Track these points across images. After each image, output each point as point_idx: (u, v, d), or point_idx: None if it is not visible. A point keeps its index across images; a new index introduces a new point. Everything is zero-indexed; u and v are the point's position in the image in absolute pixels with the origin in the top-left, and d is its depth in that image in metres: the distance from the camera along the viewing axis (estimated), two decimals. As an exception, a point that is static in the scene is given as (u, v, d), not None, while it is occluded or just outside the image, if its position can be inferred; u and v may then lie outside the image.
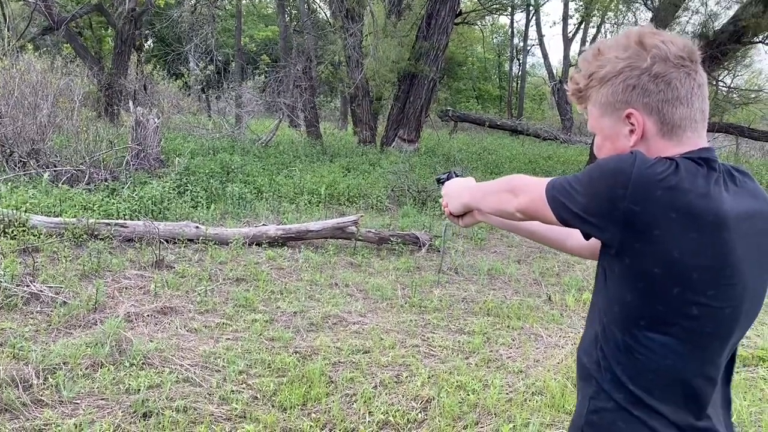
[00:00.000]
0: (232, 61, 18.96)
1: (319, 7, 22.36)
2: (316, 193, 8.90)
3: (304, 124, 14.62)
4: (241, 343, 4.08)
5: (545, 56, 32.21)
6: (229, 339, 4.18)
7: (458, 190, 1.52)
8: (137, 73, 17.76)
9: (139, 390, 3.33)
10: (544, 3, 31.00)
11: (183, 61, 21.33)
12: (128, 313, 4.42)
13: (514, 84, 34.40)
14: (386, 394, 3.53)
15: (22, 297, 4.39)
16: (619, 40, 1.18)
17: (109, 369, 3.55)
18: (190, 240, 6.27)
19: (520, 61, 34.38)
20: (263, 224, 6.90)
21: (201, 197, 7.86)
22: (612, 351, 1.14)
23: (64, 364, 3.57)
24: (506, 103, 33.42)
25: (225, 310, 4.68)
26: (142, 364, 3.67)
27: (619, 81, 1.16)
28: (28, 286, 4.53)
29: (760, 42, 12.61)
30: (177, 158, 8.76)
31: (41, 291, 4.50)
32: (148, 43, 28.08)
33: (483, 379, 3.76)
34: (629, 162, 1.07)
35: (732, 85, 18.45)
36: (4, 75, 8.83)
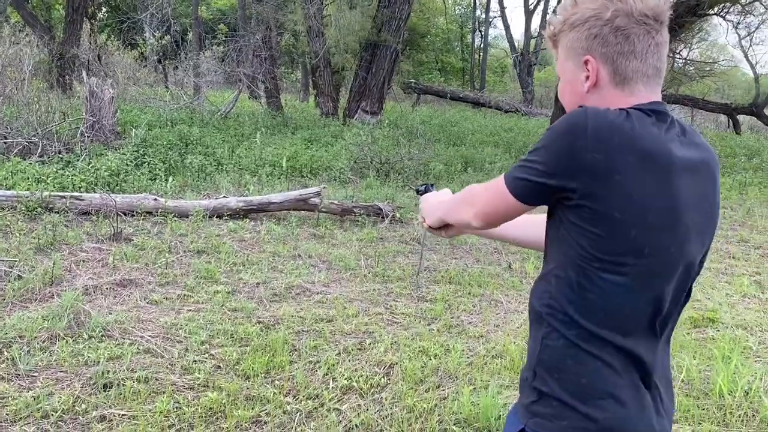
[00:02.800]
0: (189, 30, 18.49)
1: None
2: (277, 165, 8.81)
3: (265, 95, 14.40)
4: (203, 314, 4.06)
5: (507, 28, 32.25)
6: (190, 310, 4.15)
7: (433, 205, 1.53)
8: (90, 43, 17.18)
9: (99, 362, 3.29)
10: (506, -26, 30.99)
11: (138, 31, 20.74)
12: (86, 286, 4.34)
13: (477, 56, 34.43)
14: (349, 360, 3.56)
15: (-27, 271, 4.27)
16: None
17: (67, 342, 3.50)
18: (149, 212, 6.16)
19: (482, 33, 34.39)
20: (224, 196, 6.81)
21: (159, 169, 7.71)
22: (564, 291, 1.18)
23: (20, 337, 3.50)
24: (468, 76, 33.46)
25: (186, 282, 4.63)
26: (102, 336, 3.62)
27: (584, 29, 1.22)
28: (-21, 260, 4.41)
29: (716, 14, 12.83)
30: (134, 130, 8.55)
31: (-6, 265, 4.38)
32: (102, 12, 27.17)
33: (444, 344, 3.82)
34: (581, 116, 1.12)
35: (688, 58, 18.82)
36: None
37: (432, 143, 11.67)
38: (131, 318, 3.91)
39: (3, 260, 4.52)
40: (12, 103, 9.16)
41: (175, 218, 6.13)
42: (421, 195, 1.65)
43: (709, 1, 12.00)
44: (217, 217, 6.37)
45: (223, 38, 15.65)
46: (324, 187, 6.88)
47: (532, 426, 1.21)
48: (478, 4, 34.41)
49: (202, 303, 4.28)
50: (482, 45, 34.23)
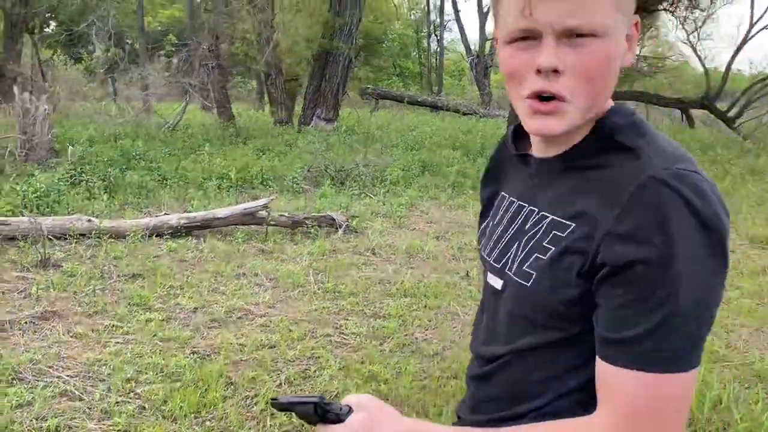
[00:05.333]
0: (135, 43, 17.97)
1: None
2: (226, 177, 8.43)
3: (215, 106, 13.97)
4: (131, 347, 3.69)
5: (462, 31, 32.52)
6: (118, 343, 3.77)
7: None
8: (33, 58, 16.52)
9: (2, 412, 2.91)
10: (459, -23, 31.04)
11: (84, 44, 20.08)
12: (2, 321, 3.93)
13: (433, 60, 34.41)
14: (291, 391, 3.24)
15: None
16: None
17: (-30, 389, 3.10)
18: (83, 235, 5.73)
19: (438, 37, 34.40)
20: (165, 213, 6.42)
21: (98, 188, 7.26)
22: None
23: None
24: (426, 80, 33.39)
25: (117, 310, 4.24)
26: (12, 380, 3.23)
27: None
28: None
29: (664, 10, 12.88)
30: (70, 147, 8.08)
31: None
32: (51, 27, 26.31)
33: (396, 366, 3.52)
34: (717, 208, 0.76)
35: (640, 54, 18.97)
36: None
37: (389, 148, 11.42)
38: (49, 356, 3.52)
39: None
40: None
41: (112, 240, 5.72)
42: (328, 422, 0.89)
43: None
44: (156, 236, 5.97)
45: (171, 49, 15.15)
46: (272, 199, 6.53)
47: None
48: (432, 8, 34.45)
49: (132, 333, 3.91)
50: (438, 49, 34.24)
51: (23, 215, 5.84)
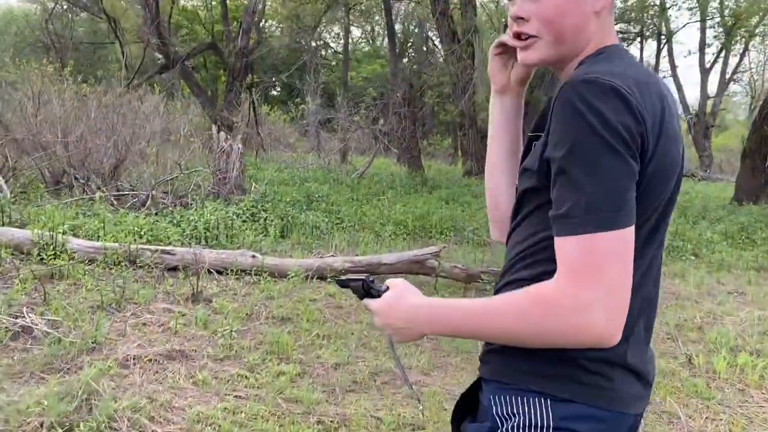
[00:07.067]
0: (339, 96, 18.75)
1: (436, 46, 21.67)
2: (403, 223, 7.83)
3: (405, 154, 13.73)
4: (249, 404, 3.04)
5: (679, 89, 29.57)
6: (238, 397, 3.15)
7: (411, 319, 1.13)
8: (251, 108, 17.76)
9: (70, 470, 2.36)
10: (677, 31, 28.62)
11: (294, 97, 21.37)
12: (127, 356, 3.52)
13: (645, 119, 31.94)
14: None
15: (8, 330, 3.63)
16: None
17: (56, 433, 2.63)
18: (243, 271, 5.39)
19: (651, 95, 31.89)
20: (331, 255, 5.91)
21: (276, 226, 7.01)
22: None
23: (5, 422, 2.69)
24: (637, 139, 30.98)
25: (250, 357, 3.66)
26: (104, 427, 2.71)
27: None
28: (23, 317, 3.78)
29: None
30: (254, 184, 8.07)
31: (35, 324, 3.73)
32: (276, 89, 28.80)
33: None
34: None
35: None
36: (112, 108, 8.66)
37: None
38: (157, 404, 2.99)
39: (49, 319, 3.87)
40: (146, 163, 9.12)
41: (274, 278, 5.30)
42: (370, 297, 1.18)
43: None
44: (319, 278, 5.45)
45: (372, 102, 15.42)
46: (444, 247, 5.73)
47: None
48: (646, 65, 32.13)
49: (257, 388, 3.27)
50: (651, 107, 31.72)
51: (191, 246, 5.67)
